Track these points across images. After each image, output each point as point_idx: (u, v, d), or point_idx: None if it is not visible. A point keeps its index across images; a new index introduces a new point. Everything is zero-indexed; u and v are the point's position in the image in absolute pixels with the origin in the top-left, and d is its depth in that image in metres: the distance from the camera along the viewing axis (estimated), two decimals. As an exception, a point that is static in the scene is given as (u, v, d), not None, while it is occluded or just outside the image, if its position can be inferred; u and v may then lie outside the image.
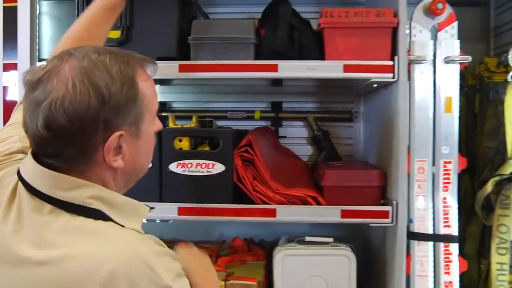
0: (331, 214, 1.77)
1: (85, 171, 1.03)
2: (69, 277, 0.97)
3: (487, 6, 2.35)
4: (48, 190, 1.01)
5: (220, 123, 2.32)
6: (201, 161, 1.79)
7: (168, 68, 1.78)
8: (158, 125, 1.20)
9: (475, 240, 2.09)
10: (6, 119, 1.55)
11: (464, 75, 2.19)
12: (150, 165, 1.22)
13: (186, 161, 1.81)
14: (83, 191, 1.02)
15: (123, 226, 1.05)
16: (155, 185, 1.81)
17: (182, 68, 1.76)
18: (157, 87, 2.14)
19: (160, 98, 2.35)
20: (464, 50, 1.92)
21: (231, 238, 2.39)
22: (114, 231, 1.04)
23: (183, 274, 1.07)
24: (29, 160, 1.04)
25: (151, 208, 1.23)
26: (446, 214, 1.83)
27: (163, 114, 2.38)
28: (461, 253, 1.95)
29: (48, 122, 0.97)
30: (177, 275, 1.04)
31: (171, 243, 2.05)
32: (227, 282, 1.86)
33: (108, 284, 0.95)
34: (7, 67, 1.73)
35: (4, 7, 1.70)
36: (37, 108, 0.98)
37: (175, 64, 1.78)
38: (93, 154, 1.02)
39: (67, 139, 0.99)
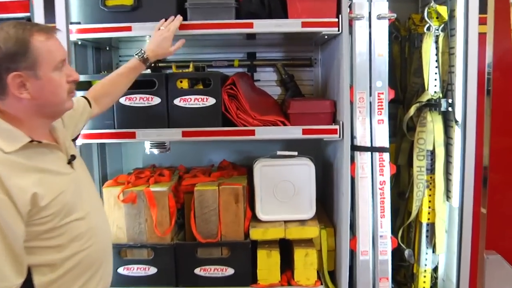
0: (294, 132, 2.33)
1: (5, 99, 1.53)
2: None
3: (415, -28, 2.85)
4: None
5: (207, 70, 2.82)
6: (197, 96, 2.34)
7: (170, 27, 2.26)
8: (73, 76, 1.64)
9: (405, 154, 2.66)
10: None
11: (398, 28, 2.75)
12: (70, 103, 1.64)
13: (186, 97, 2.34)
14: None
15: None
16: (163, 116, 2.33)
17: (181, 27, 2.25)
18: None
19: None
20: (398, 8, 2.41)
21: (218, 163, 2.95)
22: None
23: None
24: None
25: (36, 141, 1.57)
26: (380, 131, 2.36)
27: (165, 63, 2.92)
28: (396, 164, 2.51)
29: None
30: None
31: (169, 168, 2.61)
32: (220, 187, 2.41)
33: None
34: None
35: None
36: None
37: (175, 23, 2.26)
38: (5, 87, 1.50)
39: None
